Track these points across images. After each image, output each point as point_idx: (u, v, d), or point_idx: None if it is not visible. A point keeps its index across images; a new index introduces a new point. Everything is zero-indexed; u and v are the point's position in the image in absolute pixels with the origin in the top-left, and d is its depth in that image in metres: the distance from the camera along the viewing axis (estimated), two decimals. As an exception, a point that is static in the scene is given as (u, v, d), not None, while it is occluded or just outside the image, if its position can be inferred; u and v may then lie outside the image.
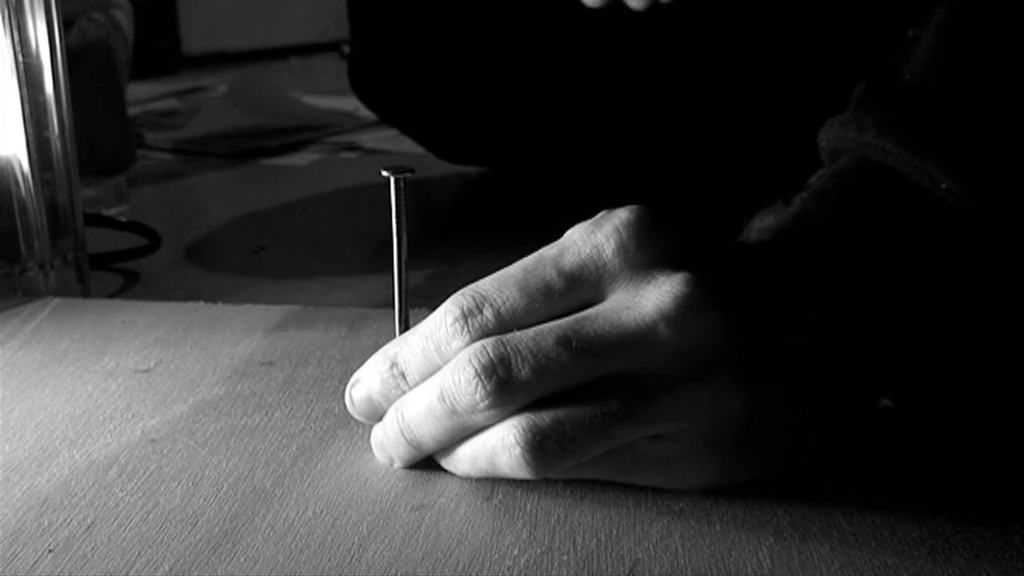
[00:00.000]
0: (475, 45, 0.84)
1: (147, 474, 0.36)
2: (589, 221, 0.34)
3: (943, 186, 0.37)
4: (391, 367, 0.35)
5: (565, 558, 0.31)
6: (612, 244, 0.33)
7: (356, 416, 0.37)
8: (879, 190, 0.38)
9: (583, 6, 0.62)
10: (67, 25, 0.84)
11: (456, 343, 0.33)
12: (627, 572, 0.30)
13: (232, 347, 0.48)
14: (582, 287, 0.33)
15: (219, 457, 0.37)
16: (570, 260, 0.33)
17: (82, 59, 0.87)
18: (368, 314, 0.52)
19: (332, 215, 0.84)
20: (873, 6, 0.69)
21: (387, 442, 0.36)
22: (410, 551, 0.31)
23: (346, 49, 1.56)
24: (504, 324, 0.33)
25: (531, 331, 0.32)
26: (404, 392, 0.35)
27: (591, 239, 0.34)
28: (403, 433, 0.35)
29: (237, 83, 1.44)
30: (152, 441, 0.38)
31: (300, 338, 0.49)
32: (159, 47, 1.82)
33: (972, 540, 0.31)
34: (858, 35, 0.71)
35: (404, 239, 0.38)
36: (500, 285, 0.34)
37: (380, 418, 0.36)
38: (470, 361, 0.32)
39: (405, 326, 0.39)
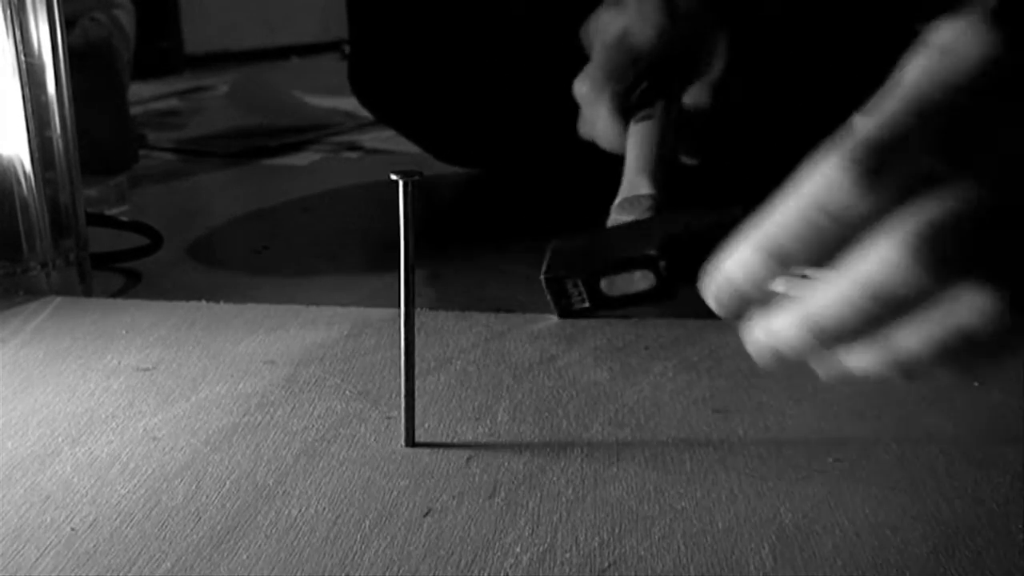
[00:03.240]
0: (475, 48, 0.84)
1: (149, 472, 0.36)
2: None
3: None
4: (769, 257, 0.28)
5: (567, 556, 0.31)
6: None
7: (722, 313, 0.31)
8: None
9: (583, 10, 0.62)
10: (69, 25, 0.84)
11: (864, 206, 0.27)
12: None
13: (234, 346, 0.48)
14: None
15: (221, 455, 0.37)
16: None
17: (84, 59, 0.87)
18: (370, 314, 0.52)
19: (333, 215, 0.84)
20: (880, 3, 0.69)
21: (784, 335, 0.29)
22: (412, 548, 0.31)
23: (347, 49, 1.56)
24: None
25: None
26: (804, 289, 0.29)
27: None
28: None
29: (239, 83, 1.44)
30: (154, 439, 0.38)
31: (302, 337, 0.49)
32: (161, 47, 1.82)
33: (974, 539, 0.31)
34: (863, 33, 0.71)
35: (411, 242, 0.38)
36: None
37: (746, 316, 0.30)
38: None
39: (410, 328, 0.39)
